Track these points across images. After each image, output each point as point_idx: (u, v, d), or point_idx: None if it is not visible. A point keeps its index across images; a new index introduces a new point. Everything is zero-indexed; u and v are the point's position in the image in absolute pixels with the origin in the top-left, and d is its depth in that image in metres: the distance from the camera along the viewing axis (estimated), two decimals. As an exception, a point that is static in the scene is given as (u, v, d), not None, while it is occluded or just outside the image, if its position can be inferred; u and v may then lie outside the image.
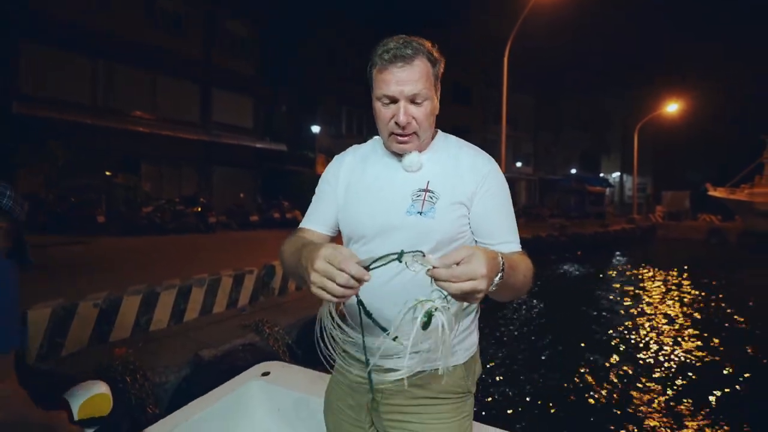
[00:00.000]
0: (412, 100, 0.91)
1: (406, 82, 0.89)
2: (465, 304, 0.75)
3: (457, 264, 0.68)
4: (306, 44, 19.53)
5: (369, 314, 0.90)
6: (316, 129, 18.20)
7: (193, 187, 15.47)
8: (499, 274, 0.74)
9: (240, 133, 16.94)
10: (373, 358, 0.89)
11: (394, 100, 0.91)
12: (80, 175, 11.45)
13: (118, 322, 3.64)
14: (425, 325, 0.71)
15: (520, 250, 0.96)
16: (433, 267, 0.68)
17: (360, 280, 0.68)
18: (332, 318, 0.90)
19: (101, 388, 1.13)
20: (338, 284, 0.68)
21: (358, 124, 20.98)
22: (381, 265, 0.72)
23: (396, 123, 0.92)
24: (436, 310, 0.71)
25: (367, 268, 0.71)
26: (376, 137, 1.07)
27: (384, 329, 0.87)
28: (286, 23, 19.34)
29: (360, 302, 0.89)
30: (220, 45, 16.51)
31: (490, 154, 1.05)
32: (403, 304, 0.75)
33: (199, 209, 12.33)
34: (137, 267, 6.43)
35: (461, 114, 25.36)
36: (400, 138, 0.94)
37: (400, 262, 0.72)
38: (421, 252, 0.72)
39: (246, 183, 17.42)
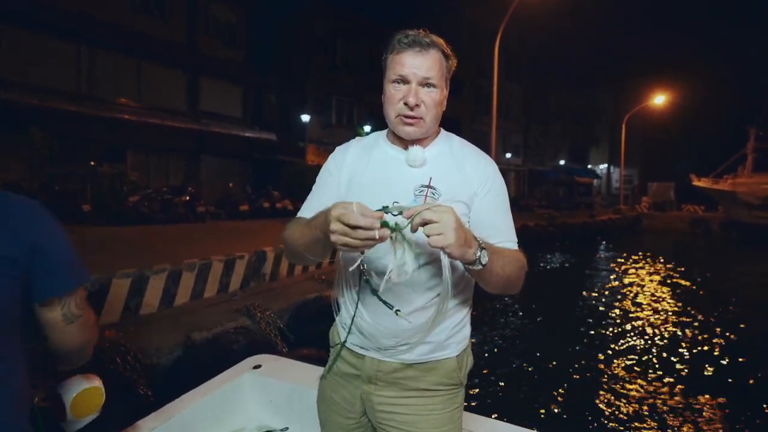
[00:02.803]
0: (424, 84, 0.96)
1: (421, 66, 0.94)
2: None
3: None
4: (296, 33, 19.25)
5: (375, 291, 0.94)
6: (305, 118, 18.02)
7: (181, 176, 15.24)
8: (478, 245, 0.83)
9: (228, 122, 16.69)
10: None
11: (406, 81, 0.96)
12: (64, 163, 11.18)
13: (107, 306, 3.60)
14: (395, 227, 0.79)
15: (517, 249, 1.00)
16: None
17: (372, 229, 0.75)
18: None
19: (93, 382, 1.11)
20: (356, 238, 0.76)
21: (348, 114, 20.79)
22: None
23: (405, 103, 0.95)
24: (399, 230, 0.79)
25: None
26: (379, 132, 1.11)
27: (390, 306, 0.92)
28: (276, 11, 19.01)
29: (367, 280, 0.96)
30: (207, 32, 16.16)
31: (480, 145, 1.08)
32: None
33: (188, 199, 12.16)
34: (125, 255, 6.33)
35: (451, 105, 25.18)
36: (406, 120, 0.97)
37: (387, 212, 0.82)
38: (405, 207, 0.81)
39: (235, 172, 17.22)
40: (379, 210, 0.81)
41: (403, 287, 0.92)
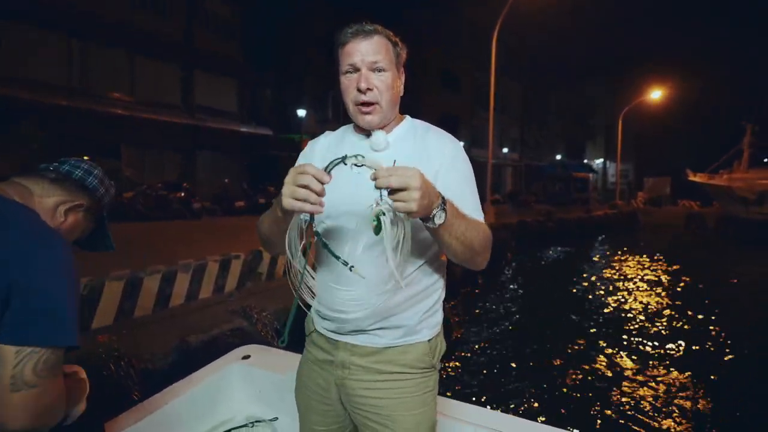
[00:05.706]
0: (372, 69, 0.99)
1: (367, 52, 0.99)
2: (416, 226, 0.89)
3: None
4: (291, 26, 19.04)
5: (326, 245, 0.98)
6: (302, 113, 17.87)
7: (176, 172, 15.10)
8: (440, 203, 0.83)
9: (224, 117, 16.55)
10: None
11: (356, 69, 0.99)
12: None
13: (100, 309, 3.54)
14: (377, 229, 0.81)
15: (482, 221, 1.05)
16: (375, 170, 0.78)
17: (321, 181, 0.81)
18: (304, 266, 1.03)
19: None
20: (304, 186, 0.80)
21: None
22: (330, 169, 0.85)
23: (358, 90, 0.99)
24: (383, 214, 0.81)
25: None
26: (347, 125, 1.16)
27: (338, 257, 0.96)
28: (276, 11, 18.76)
29: (317, 233, 1.02)
30: (202, 26, 15.97)
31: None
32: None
33: (183, 195, 12.07)
34: (120, 254, 6.24)
35: (450, 100, 25.20)
36: (363, 109, 1.01)
37: (345, 164, 0.84)
38: (362, 155, 0.83)
39: (231, 168, 17.09)
40: (338, 159, 0.84)
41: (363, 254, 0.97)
